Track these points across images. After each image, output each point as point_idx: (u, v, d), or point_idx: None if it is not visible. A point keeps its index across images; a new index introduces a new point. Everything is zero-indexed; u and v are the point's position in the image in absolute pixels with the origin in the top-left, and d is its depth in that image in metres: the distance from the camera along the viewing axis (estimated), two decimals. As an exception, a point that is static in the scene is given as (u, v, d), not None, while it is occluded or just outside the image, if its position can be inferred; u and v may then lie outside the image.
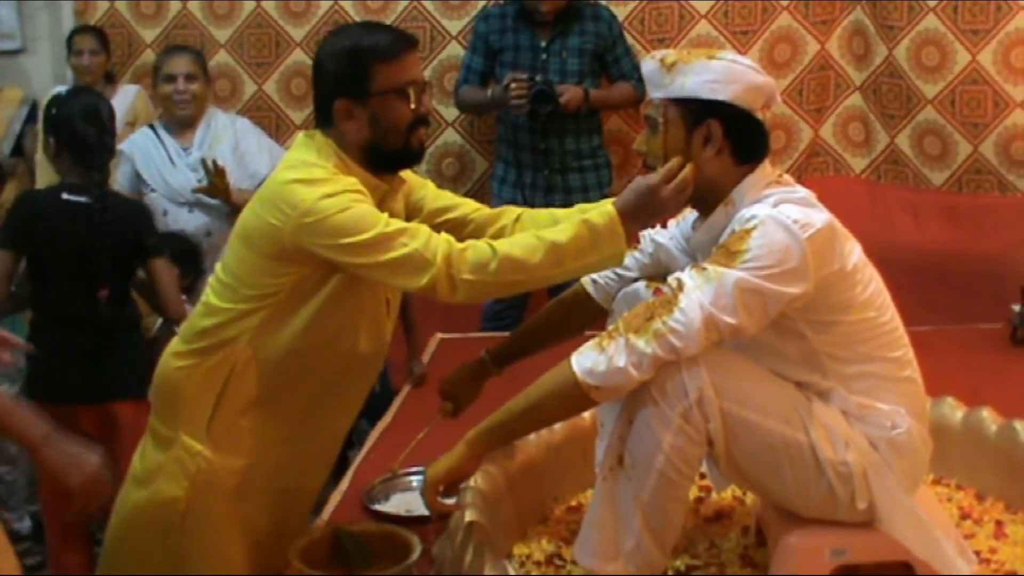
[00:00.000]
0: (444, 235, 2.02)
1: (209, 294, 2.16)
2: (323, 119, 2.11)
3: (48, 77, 4.54)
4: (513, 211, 2.26)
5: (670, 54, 2.02)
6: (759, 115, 2.02)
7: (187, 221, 3.81)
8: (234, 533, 2.19)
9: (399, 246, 1.96)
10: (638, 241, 2.29)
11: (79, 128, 2.97)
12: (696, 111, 1.98)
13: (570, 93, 3.81)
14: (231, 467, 2.15)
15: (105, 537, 2.31)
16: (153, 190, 3.84)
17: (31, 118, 4.46)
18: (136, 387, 2.96)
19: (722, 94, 1.97)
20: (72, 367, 2.97)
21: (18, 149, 4.44)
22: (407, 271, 1.97)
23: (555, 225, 2.08)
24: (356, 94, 2.05)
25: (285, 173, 2.05)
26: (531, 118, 3.84)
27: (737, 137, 2.00)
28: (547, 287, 2.39)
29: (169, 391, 2.18)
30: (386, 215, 2.01)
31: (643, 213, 2.02)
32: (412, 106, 2.07)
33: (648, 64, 2.04)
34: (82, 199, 2.95)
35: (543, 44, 3.93)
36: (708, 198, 2.03)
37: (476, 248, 1.99)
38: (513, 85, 3.77)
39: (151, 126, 3.98)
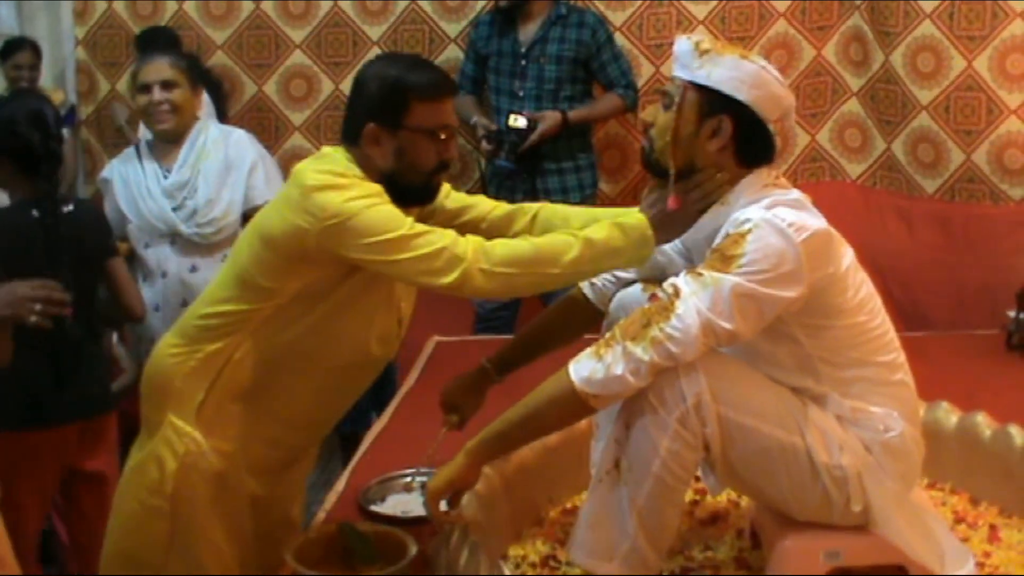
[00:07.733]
0: (471, 236, 2.04)
1: (216, 287, 2.19)
2: (351, 137, 2.12)
3: (47, 78, 4.52)
4: (529, 209, 2.27)
5: (706, 40, 2.03)
6: (771, 126, 2.04)
7: (168, 257, 3.33)
8: (219, 521, 2.21)
9: (427, 243, 1.99)
10: None
11: (22, 133, 2.74)
12: (713, 102, 2.00)
13: (547, 123, 3.85)
14: (218, 450, 2.18)
15: (107, 530, 2.33)
16: (131, 222, 3.35)
17: (69, 121, 4.38)
18: (109, 400, 2.96)
19: (743, 94, 1.99)
20: (45, 390, 2.76)
21: None
22: (436, 267, 1.98)
23: (566, 225, 2.14)
24: (389, 123, 2.07)
25: (313, 177, 2.05)
26: (516, 160, 3.86)
27: (744, 140, 2.02)
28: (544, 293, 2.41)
29: (161, 379, 2.20)
30: (411, 219, 2.03)
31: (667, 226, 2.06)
32: (438, 150, 2.10)
33: (683, 43, 2.05)
34: (35, 214, 2.74)
35: (523, 51, 3.96)
36: None
37: (508, 243, 2.03)
38: (484, 143, 3.88)
39: (135, 147, 3.47)
